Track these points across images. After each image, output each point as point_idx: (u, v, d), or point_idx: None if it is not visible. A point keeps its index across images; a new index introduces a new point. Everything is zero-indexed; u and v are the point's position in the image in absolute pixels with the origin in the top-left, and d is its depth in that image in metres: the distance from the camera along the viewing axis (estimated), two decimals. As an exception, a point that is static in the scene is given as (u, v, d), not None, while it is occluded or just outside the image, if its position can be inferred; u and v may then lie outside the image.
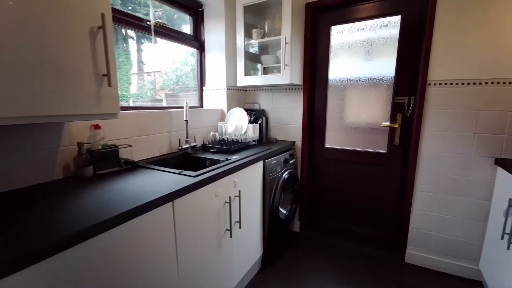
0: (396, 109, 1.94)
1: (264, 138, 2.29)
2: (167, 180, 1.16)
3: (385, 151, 2.03)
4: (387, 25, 1.93)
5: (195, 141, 1.88)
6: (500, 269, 1.45)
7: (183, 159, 1.73)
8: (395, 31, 1.90)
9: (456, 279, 1.78)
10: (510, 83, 1.55)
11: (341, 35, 2.10)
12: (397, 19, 1.89)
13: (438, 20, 1.68)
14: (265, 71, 2.32)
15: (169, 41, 2.00)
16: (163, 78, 2.16)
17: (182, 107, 1.79)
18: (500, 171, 1.57)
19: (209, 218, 1.27)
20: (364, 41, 2.02)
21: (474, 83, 1.64)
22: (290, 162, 2.11)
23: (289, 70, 1.96)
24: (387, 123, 1.98)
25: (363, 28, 2.01)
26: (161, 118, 1.70)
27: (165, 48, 2.03)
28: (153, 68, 2.06)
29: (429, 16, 1.69)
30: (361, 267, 1.90)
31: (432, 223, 1.85)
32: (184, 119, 1.69)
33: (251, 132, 2.07)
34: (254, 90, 2.50)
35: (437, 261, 1.86)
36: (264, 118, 2.31)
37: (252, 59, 2.33)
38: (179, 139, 1.76)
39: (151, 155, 1.63)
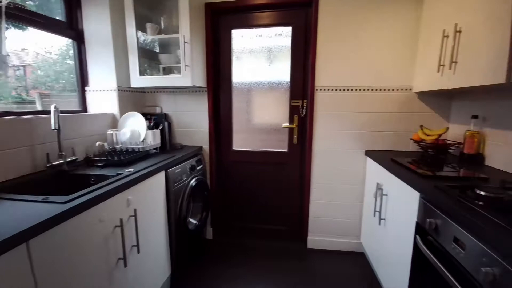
0: (293, 111, 2.13)
1: (167, 145, 2.09)
2: (22, 212, 0.85)
3: (286, 150, 2.20)
4: (281, 34, 2.09)
5: (74, 155, 1.51)
6: (375, 240, 1.79)
7: (56, 179, 1.36)
8: (288, 41, 2.08)
9: (345, 254, 2.11)
10: (367, 89, 1.94)
11: (243, 39, 2.14)
12: (289, 29, 2.07)
13: (320, 35, 1.93)
14: (166, 71, 2.12)
15: (33, 28, 1.54)
16: (35, 74, 1.67)
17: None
18: (369, 160, 1.95)
19: (91, 251, 1.02)
20: (264, 48, 2.12)
21: (345, 89, 1.97)
22: (198, 168, 2.00)
23: (190, 72, 1.85)
24: (287, 124, 2.15)
25: (261, 35, 2.11)
26: (17, 128, 1.27)
27: (39, 37, 1.57)
28: (21, 61, 1.56)
29: (313, 31, 1.93)
30: (272, 263, 1.99)
31: (325, 210, 2.13)
32: (53, 127, 1.30)
33: (151, 139, 1.84)
34: (154, 92, 2.26)
35: (331, 241, 2.16)
36: (166, 123, 2.10)
37: (150, 57, 2.08)
38: (47, 154, 1.35)
39: (1, 179, 1.20)
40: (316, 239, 2.18)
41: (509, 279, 0.68)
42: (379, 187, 1.67)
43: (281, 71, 2.13)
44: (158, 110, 2.26)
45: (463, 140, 1.61)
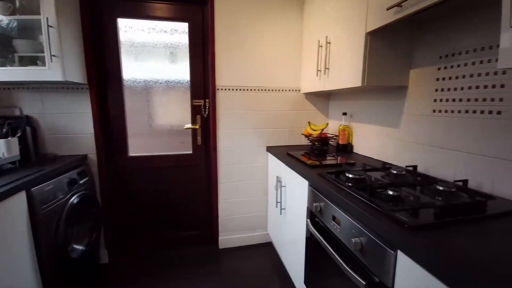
0: (195, 111, 2.05)
1: (32, 156, 1.63)
2: None
3: (191, 152, 2.10)
4: (177, 30, 1.97)
5: None
6: (278, 229, 1.94)
7: None
8: (186, 38, 1.98)
9: (256, 247, 2.21)
10: (264, 90, 2.09)
11: (132, 32, 1.90)
12: (185, 26, 1.97)
13: (218, 35, 1.93)
14: (24, 61, 1.64)
15: None
16: None
17: None
18: (270, 156, 2.10)
19: None
20: (158, 43, 1.95)
21: (245, 89, 2.05)
22: (81, 182, 1.65)
23: (60, 64, 1.49)
24: (189, 125, 2.05)
25: (154, 28, 1.93)
26: None
27: None
28: None
29: (210, 30, 1.91)
30: (184, 272, 1.86)
31: (234, 208, 2.17)
32: None
33: (4, 150, 1.39)
34: (9, 89, 1.72)
35: (242, 238, 2.22)
36: (29, 128, 1.64)
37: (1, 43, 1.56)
38: None
39: None
40: (227, 238, 2.19)
41: (372, 245, 0.84)
42: (278, 180, 1.81)
43: (180, 69, 2.01)
44: (16, 112, 1.73)
45: (338, 133, 1.94)
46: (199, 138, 2.08)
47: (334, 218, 1.06)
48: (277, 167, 1.90)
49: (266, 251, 2.15)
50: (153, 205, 2.10)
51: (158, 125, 2.04)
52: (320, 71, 1.74)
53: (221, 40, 1.95)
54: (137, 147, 2.03)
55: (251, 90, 2.07)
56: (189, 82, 2.03)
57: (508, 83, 0.92)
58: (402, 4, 1.02)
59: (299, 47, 2.10)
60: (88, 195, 1.66)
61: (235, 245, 2.21)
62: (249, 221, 2.22)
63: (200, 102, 2.05)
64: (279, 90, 2.12)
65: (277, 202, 1.83)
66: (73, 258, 1.48)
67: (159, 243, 2.15)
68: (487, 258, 0.60)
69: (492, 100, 0.98)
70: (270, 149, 2.08)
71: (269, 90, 2.10)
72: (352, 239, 0.89)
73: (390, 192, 0.95)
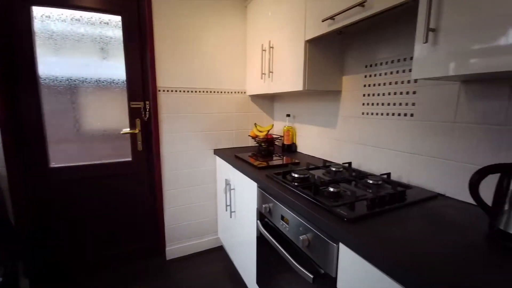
0: (133, 114, 1.88)
1: None
2: None
3: (130, 159, 1.92)
4: (107, 23, 1.76)
5: None
6: (228, 232, 1.93)
7: None
8: (118, 33, 1.79)
9: (208, 252, 2.15)
10: (210, 91, 2.05)
11: (50, 22, 1.62)
12: (118, 19, 1.78)
13: (157, 32, 1.80)
14: None
15: None
16: None
17: None
18: (218, 159, 2.07)
19: None
20: (85, 36, 1.71)
21: (190, 91, 1.97)
22: (-15, 202, 1.34)
23: None
24: (127, 130, 1.87)
25: (79, 19, 1.69)
26: None
27: None
28: None
29: (148, 25, 1.77)
30: (126, 292, 1.69)
31: (181, 215, 2.07)
32: None
33: None
34: None
35: (191, 245, 2.13)
36: None
37: None
38: None
39: None
40: (175, 247, 2.07)
41: (318, 241, 0.90)
42: (227, 183, 1.80)
43: (114, 67, 1.81)
44: None
45: (283, 133, 2.03)
46: (139, 143, 1.91)
47: (282, 218, 1.11)
48: (225, 170, 1.88)
49: (217, 255, 2.11)
50: (88, 221, 1.85)
51: (89, 131, 1.80)
52: (265, 74, 1.79)
53: (161, 38, 1.82)
54: (62, 156, 1.75)
55: (196, 92, 2.00)
56: (125, 82, 1.85)
57: (419, 90, 1.10)
58: (334, 17, 1.12)
59: (244, 49, 2.12)
60: (-4, 218, 1.36)
61: (185, 254, 2.11)
62: (198, 227, 2.15)
63: (139, 104, 1.89)
64: (225, 92, 2.11)
65: (226, 206, 1.82)
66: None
67: (97, 262, 1.90)
68: (405, 241, 0.70)
69: (407, 104, 1.16)
70: (217, 152, 2.05)
71: (215, 92, 2.06)
72: (300, 237, 0.94)
73: (331, 189, 1.03)
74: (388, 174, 1.20)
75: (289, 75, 1.53)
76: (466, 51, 0.68)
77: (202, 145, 2.07)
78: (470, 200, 0.95)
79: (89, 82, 1.76)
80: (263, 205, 1.25)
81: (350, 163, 1.42)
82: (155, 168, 1.93)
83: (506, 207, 0.66)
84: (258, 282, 1.42)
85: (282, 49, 1.59)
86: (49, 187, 1.72)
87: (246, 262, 1.61)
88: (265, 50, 1.77)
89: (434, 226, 0.78)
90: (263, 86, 1.85)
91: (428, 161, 1.09)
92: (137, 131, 1.89)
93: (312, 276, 0.88)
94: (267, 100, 2.29)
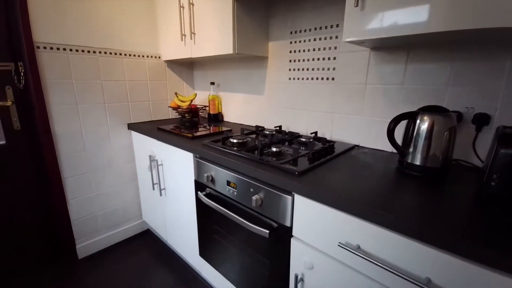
0: (0, 80, 1.34)
1: None
2: None
3: (4, 142, 1.40)
4: None
5: None
6: (159, 212, 1.76)
7: None
8: None
9: (130, 240, 1.91)
10: (114, 53, 1.69)
11: None
12: None
13: (22, -40, 1.28)
14: None
15: None
16: None
17: None
18: (135, 134, 1.79)
19: None
20: None
21: (88, 51, 1.56)
22: None
23: None
24: (-9, 101, 1.33)
25: None
26: None
27: None
28: None
29: None
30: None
31: (92, 205, 1.72)
32: None
33: None
34: None
35: (110, 236, 1.84)
36: None
37: None
38: None
39: None
40: (88, 243, 1.73)
41: (268, 197, 0.93)
42: (152, 159, 1.60)
43: None
44: None
45: (208, 103, 1.94)
46: (15, 119, 1.41)
47: (229, 183, 1.08)
48: (148, 146, 1.66)
49: (144, 241, 1.91)
50: None
51: None
52: (185, 35, 1.61)
53: (31, -28, 1.32)
54: None
55: (95, 52, 1.59)
56: (-25, 32, 1.27)
57: (339, 56, 1.24)
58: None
59: (152, 8, 1.80)
60: None
61: (102, 247, 1.80)
62: (117, 215, 1.86)
63: (7, 66, 1.35)
64: (134, 56, 1.77)
65: (154, 184, 1.63)
66: None
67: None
68: (342, 182, 0.82)
69: (328, 69, 1.30)
70: (133, 126, 1.76)
71: (121, 54, 1.71)
72: (253, 197, 0.95)
73: (274, 149, 1.08)
74: (315, 133, 1.34)
75: (215, 37, 1.42)
76: (385, 16, 0.80)
77: (111, 119, 1.72)
78: (378, 147, 1.20)
79: None
80: (204, 174, 1.18)
81: (280, 126, 1.51)
82: (45, 151, 1.48)
83: (412, 145, 0.86)
84: (201, 254, 1.39)
85: (205, 6, 1.44)
86: None
87: (184, 237, 1.53)
88: (183, 7, 1.56)
89: (359, 168, 0.94)
90: (184, 49, 1.66)
91: (345, 118, 1.28)
92: (9, 103, 1.37)
93: (268, 231, 0.92)
94: (185, 68, 2.09)
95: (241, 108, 1.81)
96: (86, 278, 1.54)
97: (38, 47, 1.39)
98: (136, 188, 1.93)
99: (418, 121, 0.86)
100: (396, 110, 1.11)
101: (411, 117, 0.88)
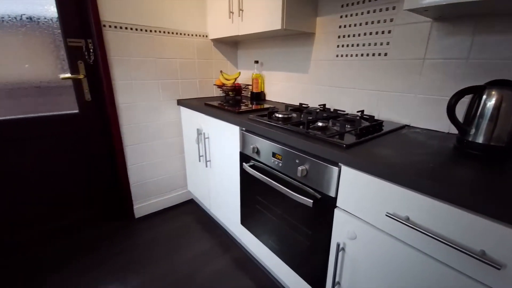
0: (74, 55, 1.53)
1: None
2: None
3: (77, 111, 1.62)
4: None
5: None
6: (203, 183, 1.90)
7: None
8: None
9: (177, 207, 2.10)
10: (165, 32, 1.79)
11: None
12: None
13: None
14: None
15: None
16: None
17: None
18: (183, 109, 1.92)
19: None
20: None
21: (142, 29, 1.68)
22: None
23: None
24: (68, 75, 1.53)
25: None
26: None
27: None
28: None
29: None
30: (92, 257, 1.57)
31: (146, 173, 1.92)
32: None
33: None
34: None
35: (159, 202, 2.04)
36: None
37: None
38: None
39: None
40: (143, 205, 1.96)
41: (314, 168, 0.96)
42: (199, 133, 1.71)
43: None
44: None
45: (251, 82, 1.98)
46: (86, 91, 1.61)
47: (274, 155, 1.13)
48: (196, 120, 1.77)
49: (189, 208, 2.09)
50: (28, 190, 1.56)
51: (18, 79, 1.41)
52: (233, 13, 1.64)
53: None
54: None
55: (150, 31, 1.71)
56: (56, 13, 1.45)
57: (395, 29, 1.18)
58: None
59: (203, -16, 1.86)
60: None
61: (153, 210, 2.02)
62: (166, 183, 2.05)
63: (79, 42, 1.53)
64: (184, 34, 1.87)
65: (200, 156, 1.76)
66: None
67: (47, 233, 1.67)
68: (394, 157, 0.81)
69: (381, 44, 1.24)
70: (182, 102, 1.89)
71: (172, 33, 1.81)
72: (299, 167, 0.99)
73: (320, 124, 1.09)
74: (362, 112, 1.31)
75: (263, 13, 1.43)
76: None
77: (163, 94, 1.87)
78: (432, 127, 1.13)
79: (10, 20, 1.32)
80: (251, 146, 1.24)
81: (324, 105, 1.49)
82: (111, 121, 1.68)
83: (475, 122, 0.81)
84: (242, 222, 1.49)
85: (255, -18, 1.45)
86: (-33, 149, 1.35)
87: (227, 207, 1.65)
88: (232, -16, 1.58)
89: (411, 146, 0.91)
90: (231, 27, 1.70)
91: (396, 96, 1.23)
92: (81, 76, 1.57)
93: (311, 201, 0.96)
94: (230, 47, 2.14)
95: (284, 86, 1.82)
96: (142, 233, 1.76)
97: (104, 26, 1.54)
98: (183, 160, 2.10)
99: (484, 96, 0.80)
100: (457, 86, 1.03)
101: (476, 91, 0.82)
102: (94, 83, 1.62)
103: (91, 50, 1.57)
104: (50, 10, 1.44)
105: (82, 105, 1.62)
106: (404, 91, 1.20)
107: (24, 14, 1.38)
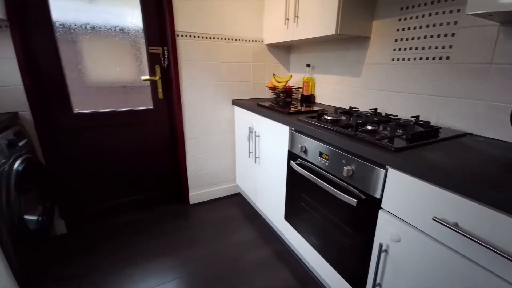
0: (153, 60, 1.82)
1: None
2: None
3: (151, 107, 1.92)
4: (120, -45, 1.60)
5: None
6: (251, 178, 2.04)
7: None
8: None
9: (225, 199, 2.29)
10: (225, 39, 1.97)
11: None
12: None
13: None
14: None
15: None
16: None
17: None
18: (237, 108, 2.09)
19: None
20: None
21: (206, 37, 1.89)
22: (20, 144, 1.36)
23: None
24: (147, 77, 1.83)
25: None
26: None
27: None
28: None
29: (165, -41, 1.62)
30: (152, 231, 1.83)
31: (202, 163, 2.15)
32: None
33: None
34: None
35: (211, 191, 2.26)
36: None
37: None
38: None
39: None
40: (197, 193, 2.19)
41: (360, 169, 0.99)
42: (251, 131, 1.85)
43: (123, 12, 1.70)
44: None
45: (302, 85, 2.05)
46: (160, 91, 1.89)
47: (321, 154, 1.19)
48: (248, 119, 1.92)
49: (236, 200, 2.26)
50: (109, 167, 1.90)
51: (108, 79, 1.75)
52: (289, 19, 1.74)
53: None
54: (83, 103, 1.72)
55: (212, 38, 1.92)
56: (141, 25, 1.75)
57: (459, 32, 1.12)
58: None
59: (262, -7, 2.00)
60: (32, 160, 1.39)
61: (205, 199, 2.24)
62: (217, 175, 2.25)
63: (157, 49, 1.82)
64: (241, 40, 2.04)
65: (250, 152, 1.90)
66: (31, 230, 1.27)
67: (119, 207, 2.01)
68: (447, 163, 0.80)
69: (443, 47, 1.19)
70: (236, 102, 2.06)
71: (231, 39, 1.99)
72: (345, 168, 1.03)
73: (369, 127, 1.11)
74: (417, 117, 1.28)
75: (319, 18, 1.49)
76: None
77: (220, 94, 2.07)
78: (498, 137, 1.05)
79: (107, 29, 1.66)
80: (299, 145, 1.32)
81: (375, 109, 1.48)
82: (177, 116, 1.94)
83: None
84: (286, 218, 1.57)
85: (311, -10, 1.52)
86: (74, 133, 1.73)
87: (272, 202, 1.75)
88: (290, -8, 1.68)
89: (468, 153, 0.88)
90: (286, 33, 1.79)
91: (457, 102, 1.17)
92: (157, 78, 1.85)
93: (356, 200, 0.99)
94: (283, 51, 2.25)
95: (334, 90, 1.85)
96: (195, 217, 1.99)
97: (177, 35, 1.79)
98: (233, 156, 2.28)
99: (560, 104, 0.73)
100: (531, 93, 0.95)
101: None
102: (166, 84, 1.90)
103: (166, 56, 1.84)
104: (137, 23, 1.74)
105: (156, 102, 1.91)
106: (468, 97, 1.13)
107: (117, 26, 1.70)
